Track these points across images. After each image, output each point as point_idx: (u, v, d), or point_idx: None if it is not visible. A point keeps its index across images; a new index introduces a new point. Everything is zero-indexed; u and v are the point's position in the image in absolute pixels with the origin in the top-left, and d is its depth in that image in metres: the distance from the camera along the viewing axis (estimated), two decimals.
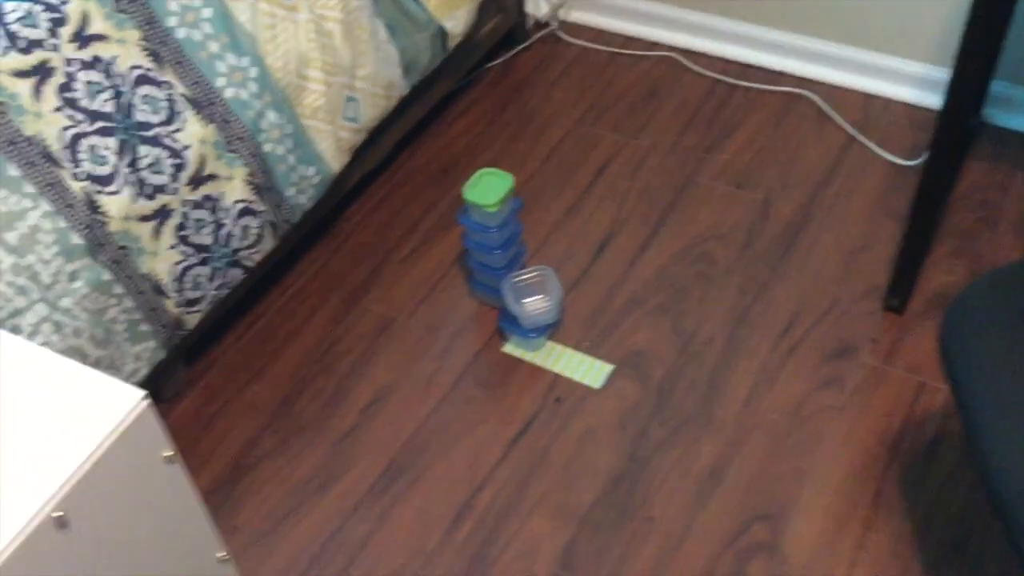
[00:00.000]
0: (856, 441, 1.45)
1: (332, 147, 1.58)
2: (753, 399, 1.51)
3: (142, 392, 0.86)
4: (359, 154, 1.75)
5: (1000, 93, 1.87)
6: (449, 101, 2.04)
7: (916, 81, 1.93)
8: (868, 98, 1.96)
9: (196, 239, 1.42)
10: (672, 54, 2.09)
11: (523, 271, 1.60)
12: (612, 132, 1.96)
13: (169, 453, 0.89)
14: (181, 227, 1.40)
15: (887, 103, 1.95)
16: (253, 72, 1.44)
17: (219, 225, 1.44)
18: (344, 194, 1.78)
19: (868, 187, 1.80)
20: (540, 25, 2.19)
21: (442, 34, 1.78)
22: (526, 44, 2.15)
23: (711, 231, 1.76)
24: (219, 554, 1.03)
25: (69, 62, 1.28)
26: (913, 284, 1.63)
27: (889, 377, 1.52)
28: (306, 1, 1.50)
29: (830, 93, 1.98)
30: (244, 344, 1.65)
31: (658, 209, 1.81)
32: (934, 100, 1.92)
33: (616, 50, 2.13)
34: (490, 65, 2.12)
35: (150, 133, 1.35)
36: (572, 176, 1.88)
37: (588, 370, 1.58)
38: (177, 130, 1.37)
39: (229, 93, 1.42)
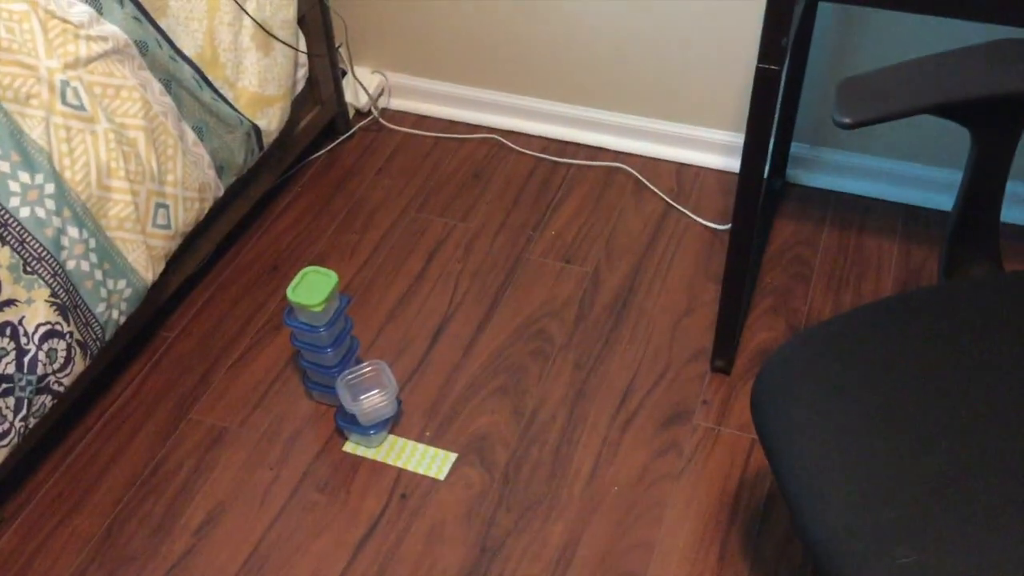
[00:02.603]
0: (697, 505, 1.48)
1: (143, 257, 1.52)
2: (597, 474, 1.52)
3: None
4: (176, 260, 1.69)
5: (800, 154, 1.99)
6: (273, 197, 2.01)
7: (724, 149, 2.04)
8: (681, 167, 2.05)
9: None
10: (494, 136, 2.13)
11: (357, 367, 1.56)
12: (440, 216, 1.97)
13: None
14: None
15: (698, 171, 2.04)
16: (49, 188, 1.37)
17: (21, 352, 1.35)
18: (163, 302, 1.71)
19: (688, 253, 1.87)
20: (361, 114, 2.19)
21: (256, 132, 1.75)
22: (348, 134, 2.15)
23: (544, 307, 1.78)
24: None
25: None
26: (736, 344, 1.69)
27: (722, 438, 1.56)
28: (104, 111, 1.45)
29: (646, 165, 2.06)
30: (62, 474, 1.54)
31: (491, 290, 1.82)
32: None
33: (439, 134, 2.15)
34: (313, 157, 2.10)
35: None
36: (403, 264, 1.87)
37: (432, 462, 1.55)
38: None
39: (24, 213, 1.34)
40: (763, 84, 1.35)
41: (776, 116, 1.91)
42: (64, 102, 1.41)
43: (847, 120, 0.96)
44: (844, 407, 1.00)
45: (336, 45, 2.05)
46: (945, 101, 1.01)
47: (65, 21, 1.42)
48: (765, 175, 1.93)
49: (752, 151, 1.41)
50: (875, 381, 1.01)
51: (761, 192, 1.47)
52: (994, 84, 1.06)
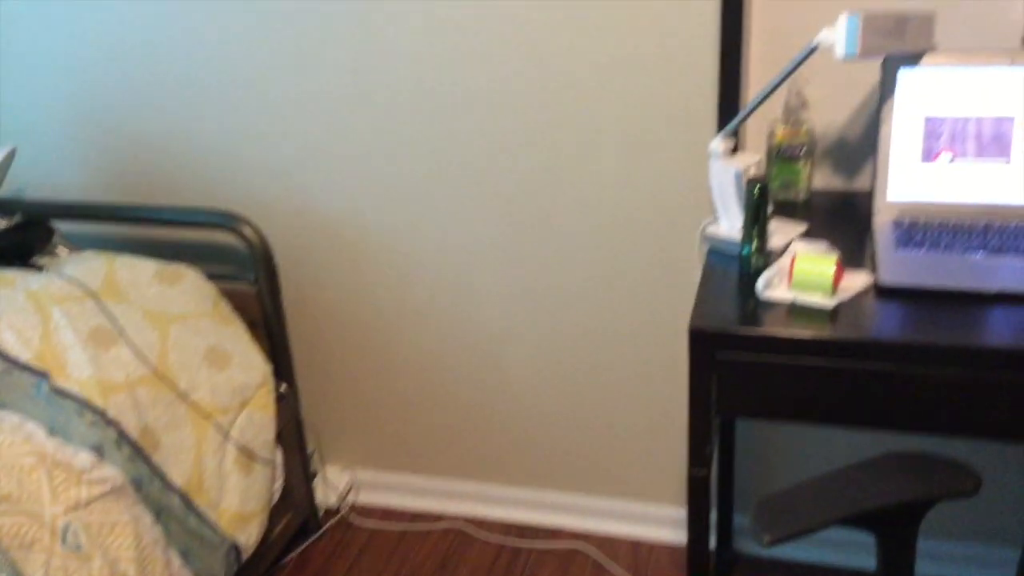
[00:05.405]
0: None
1: None
2: None
3: None
4: None
5: (744, 525, 2.14)
6: None
7: (675, 523, 2.19)
8: (636, 544, 2.18)
9: None
10: (458, 524, 2.26)
11: None
12: None
13: None
14: None
15: (652, 547, 2.17)
16: None
17: None
18: None
19: None
20: (331, 512, 2.32)
21: (236, 548, 1.86)
22: (319, 534, 2.26)
23: None
24: None
25: None
26: None
27: None
28: (100, 548, 1.56)
29: (602, 543, 2.19)
30: None
31: None
32: None
33: (405, 526, 2.27)
34: (285, 560, 2.19)
35: None
36: None
37: None
38: None
39: None
40: (696, 484, 1.53)
41: (715, 494, 2.08)
42: (64, 544, 1.52)
43: (766, 541, 1.13)
44: None
45: (309, 452, 2.22)
46: (851, 515, 1.18)
47: (69, 468, 1.58)
48: (712, 548, 2.07)
49: (695, 536, 1.56)
50: None
51: (709, 571, 1.59)
52: (891, 495, 1.24)
